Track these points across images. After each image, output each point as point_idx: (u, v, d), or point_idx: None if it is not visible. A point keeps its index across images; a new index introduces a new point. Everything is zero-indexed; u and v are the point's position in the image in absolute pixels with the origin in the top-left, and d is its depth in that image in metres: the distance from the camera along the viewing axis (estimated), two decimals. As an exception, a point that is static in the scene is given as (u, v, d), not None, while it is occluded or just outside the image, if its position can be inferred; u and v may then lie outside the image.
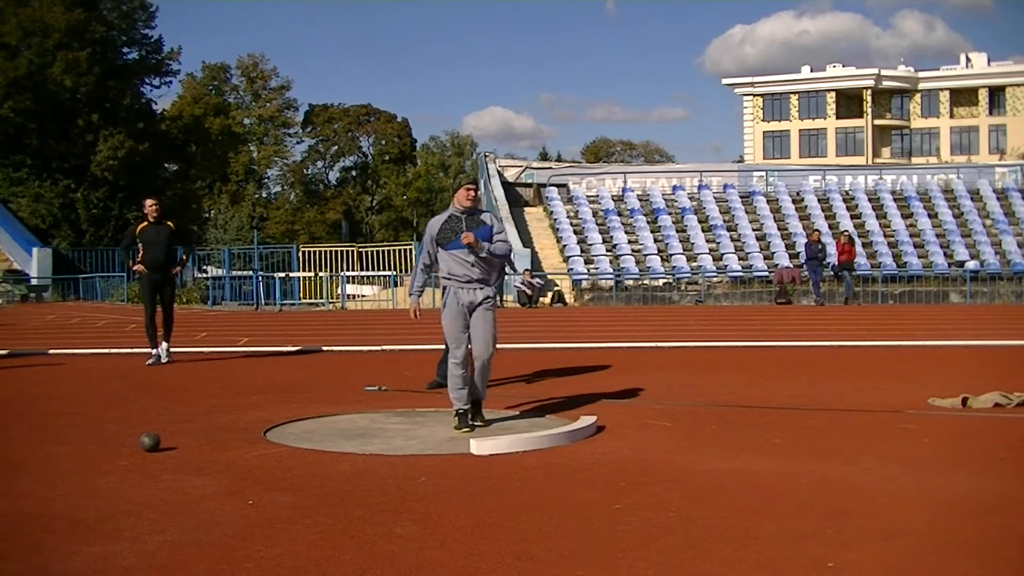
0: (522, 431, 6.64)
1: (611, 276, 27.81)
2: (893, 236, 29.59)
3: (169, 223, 11.26)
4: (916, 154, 69.04)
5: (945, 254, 28.83)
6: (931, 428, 6.85)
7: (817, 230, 25.83)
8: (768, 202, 31.28)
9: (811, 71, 72.93)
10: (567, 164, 40.44)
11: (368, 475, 5.40)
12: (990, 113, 68.86)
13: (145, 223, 11.24)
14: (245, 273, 30.48)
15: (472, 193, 6.88)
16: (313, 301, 28.43)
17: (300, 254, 30.94)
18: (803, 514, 4.54)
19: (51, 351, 13.10)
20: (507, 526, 4.35)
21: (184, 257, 12.17)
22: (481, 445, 5.95)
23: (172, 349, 11.56)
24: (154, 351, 11.33)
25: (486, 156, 33.77)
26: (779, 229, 29.99)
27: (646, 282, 27.77)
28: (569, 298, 26.34)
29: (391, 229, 69.47)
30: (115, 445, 6.29)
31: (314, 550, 4.00)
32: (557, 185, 32.21)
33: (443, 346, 7.29)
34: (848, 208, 30.93)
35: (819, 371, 10.52)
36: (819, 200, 31.26)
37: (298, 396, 8.69)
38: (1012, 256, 28.58)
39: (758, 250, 28.91)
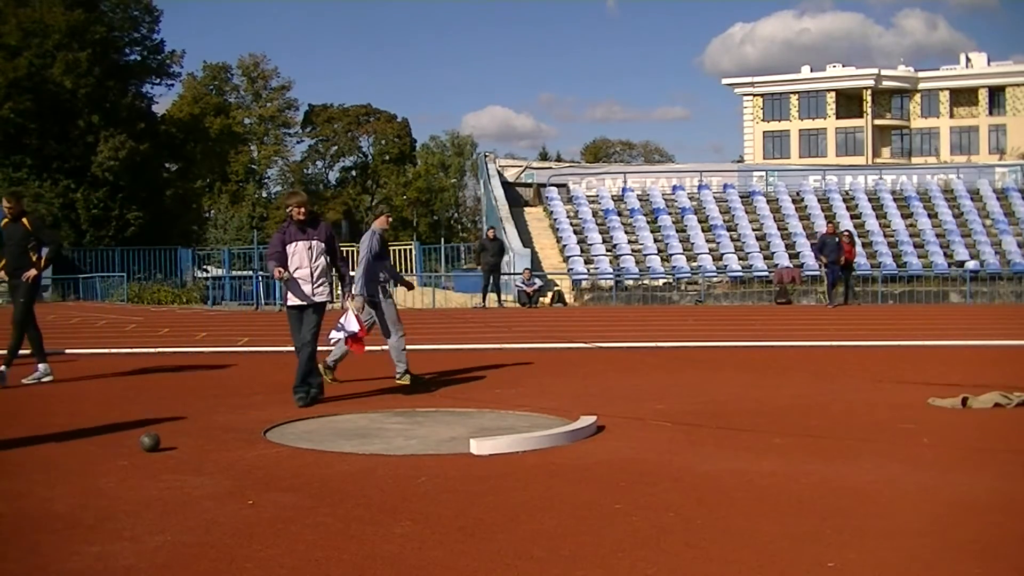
0: (522, 431, 6.64)
1: (611, 276, 27.79)
2: (893, 236, 29.57)
3: (25, 220, 9.61)
4: (916, 154, 69.05)
5: (945, 254, 28.80)
6: (931, 428, 6.85)
7: (834, 224, 25.39)
8: (768, 202, 31.24)
9: (811, 71, 72.95)
10: (567, 164, 40.39)
11: (368, 475, 5.40)
12: (990, 113, 68.86)
13: (5, 219, 9.72)
14: (245, 273, 30.50)
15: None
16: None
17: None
18: (803, 514, 4.54)
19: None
20: (507, 526, 4.35)
21: (41, 258, 9.73)
22: (481, 445, 5.95)
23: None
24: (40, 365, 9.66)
25: (486, 156, 33.73)
26: (779, 229, 29.95)
27: (646, 282, 27.73)
28: (569, 298, 26.32)
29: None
30: (115, 445, 6.29)
31: (314, 550, 4.00)
32: (557, 185, 32.17)
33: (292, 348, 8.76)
34: (848, 208, 30.89)
35: (819, 371, 10.52)
36: (819, 200, 31.22)
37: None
38: (1012, 256, 28.55)
39: (758, 250, 28.88)
